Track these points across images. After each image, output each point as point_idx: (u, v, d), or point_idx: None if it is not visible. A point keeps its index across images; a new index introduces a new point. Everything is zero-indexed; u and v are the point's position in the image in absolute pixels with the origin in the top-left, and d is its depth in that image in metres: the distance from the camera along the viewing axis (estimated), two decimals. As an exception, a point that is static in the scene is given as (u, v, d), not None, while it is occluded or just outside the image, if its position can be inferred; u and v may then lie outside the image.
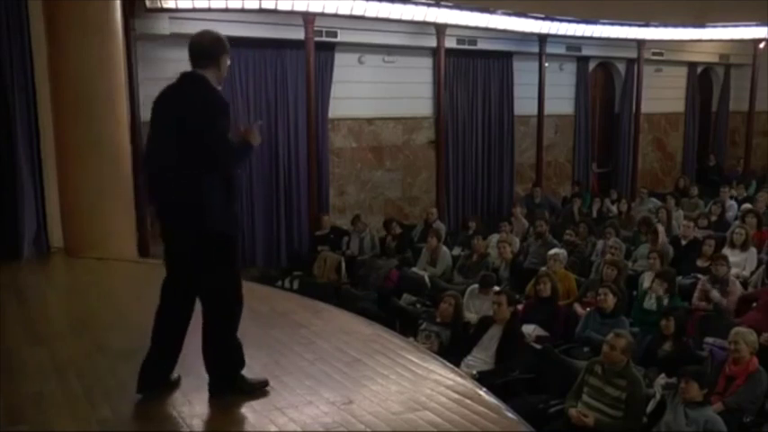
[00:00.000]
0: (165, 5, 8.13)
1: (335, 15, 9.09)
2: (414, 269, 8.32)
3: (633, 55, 12.86)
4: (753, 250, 7.76)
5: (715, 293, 6.53)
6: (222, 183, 3.19)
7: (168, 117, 3.19)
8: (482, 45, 11.33)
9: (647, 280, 6.86)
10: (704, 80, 15.32)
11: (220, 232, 3.20)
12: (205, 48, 3.24)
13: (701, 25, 12.81)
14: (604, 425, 4.50)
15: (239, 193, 3.35)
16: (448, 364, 4.03)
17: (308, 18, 8.95)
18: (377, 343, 4.25)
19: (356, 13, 9.16)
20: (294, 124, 9.68)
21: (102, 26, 6.61)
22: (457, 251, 9.07)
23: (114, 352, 4.07)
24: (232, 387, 3.37)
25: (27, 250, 6.48)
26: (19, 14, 6.40)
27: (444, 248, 8.62)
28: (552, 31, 11.41)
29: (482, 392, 3.53)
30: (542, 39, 11.58)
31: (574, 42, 12.25)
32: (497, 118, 11.90)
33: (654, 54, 13.37)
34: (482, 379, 4.68)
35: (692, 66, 14.62)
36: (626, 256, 8.16)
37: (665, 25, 12.48)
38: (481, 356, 5.57)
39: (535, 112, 12.01)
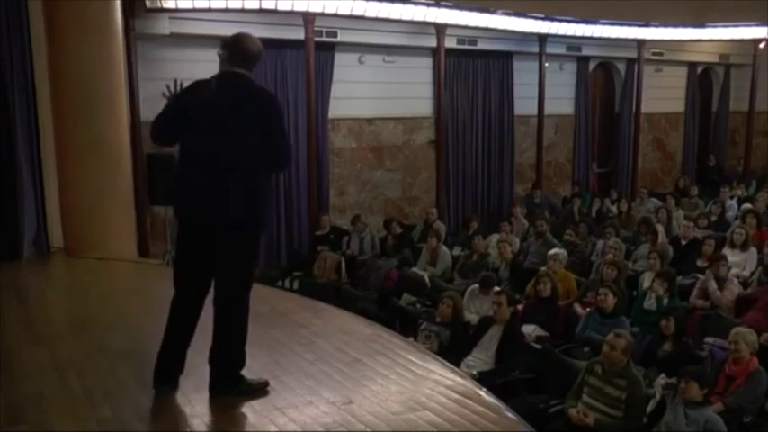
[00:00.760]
0: (165, 5, 8.12)
1: (335, 15, 9.09)
2: (414, 269, 8.31)
3: (633, 55, 12.86)
4: (753, 250, 7.76)
5: (713, 283, 6.56)
6: (270, 181, 3.33)
7: (220, 114, 3.19)
8: (482, 45, 11.33)
9: (647, 280, 6.86)
10: (704, 80, 15.32)
11: (264, 230, 3.35)
12: (250, 51, 3.28)
13: (701, 25, 12.81)
14: (604, 425, 4.50)
15: None
16: (448, 364, 4.03)
17: (307, 18, 8.95)
18: (377, 343, 4.25)
19: (356, 13, 9.15)
20: (294, 124, 9.67)
21: (102, 26, 6.61)
22: (457, 251, 9.07)
23: (114, 352, 4.08)
24: (231, 387, 3.37)
25: (27, 250, 6.48)
26: (19, 14, 6.40)
27: (444, 248, 8.62)
28: (552, 31, 11.40)
29: (482, 392, 3.53)
30: (542, 39, 11.57)
31: (574, 42, 12.25)
32: (497, 118, 11.90)
33: (654, 54, 13.37)
34: (482, 379, 4.68)
35: (692, 66, 14.62)
36: (626, 256, 8.17)
37: (665, 25, 12.47)
38: (481, 356, 5.57)
39: (535, 112, 12.01)
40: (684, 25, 12.67)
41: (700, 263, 7.63)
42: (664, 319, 5.56)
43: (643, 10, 11.83)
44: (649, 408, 4.67)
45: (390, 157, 11.04)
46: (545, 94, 11.88)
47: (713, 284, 6.57)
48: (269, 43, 9.26)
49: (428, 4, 9.76)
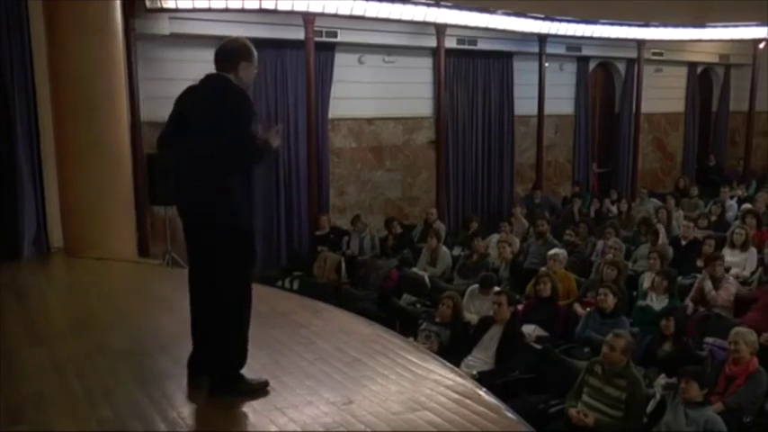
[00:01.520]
0: (165, 5, 8.12)
1: (335, 15, 9.09)
2: (414, 269, 8.31)
3: (633, 55, 12.86)
4: (753, 250, 7.75)
5: (708, 283, 6.57)
6: (244, 181, 3.28)
7: (195, 116, 3.27)
8: (482, 45, 11.32)
9: (647, 280, 6.86)
10: (704, 80, 15.31)
11: (241, 229, 3.30)
12: (227, 51, 3.33)
13: (701, 25, 12.81)
14: (604, 425, 4.50)
15: (254, 190, 3.43)
16: (448, 364, 4.03)
17: (308, 18, 8.95)
18: (377, 343, 4.25)
19: (356, 13, 9.15)
20: (294, 124, 9.67)
21: (102, 26, 6.61)
22: (457, 251, 9.07)
23: (114, 352, 4.08)
24: (231, 387, 3.38)
25: (27, 250, 6.49)
26: (19, 14, 6.41)
27: (444, 248, 8.62)
28: (552, 32, 11.40)
29: (482, 392, 3.54)
30: (542, 39, 11.57)
31: (574, 42, 12.25)
32: (497, 118, 11.90)
33: (654, 54, 13.36)
34: (482, 379, 4.68)
35: (692, 66, 14.61)
36: (626, 256, 8.16)
37: (665, 25, 12.47)
38: (481, 357, 5.57)
39: (535, 112, 12.01)
40: (684, 25, 12.67)
41: (700, 263, 7.61)
42: (664, 320, 5.56)
43: (643, 10, 11.83)
44: (649, 408, 4.66)
45: (390, 157, 11.04)
46: (545, 94, 11.88)
47: (709, 284, 6.58)
48: (269, 43, 9.36)
49: (428, 4, 9.75)
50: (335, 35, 9.76)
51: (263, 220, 9.71)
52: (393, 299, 7.32)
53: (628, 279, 7.19)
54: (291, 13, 8.76)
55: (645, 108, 13.20)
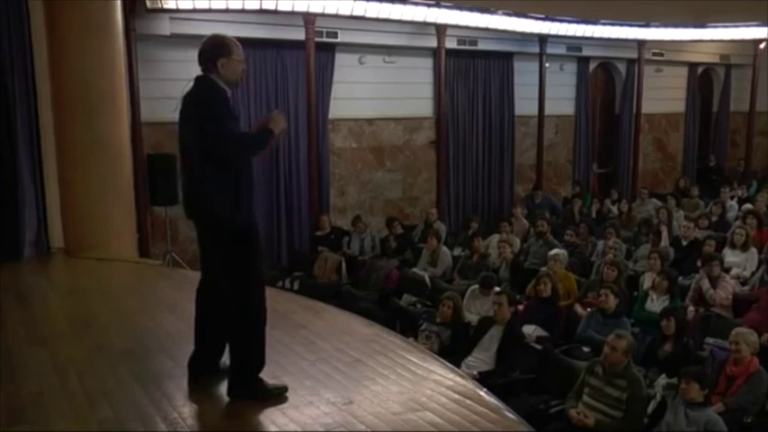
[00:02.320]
0: (166, 6, 8.12)
1: (336, 16, 9.09)
2: (414, 269, 8.31)
3: (633, 55, 12.86)
4: (753, 251, 7.75)
5: (705, 282, 6.58)
6: (229, 176, 3.21)
7: (182, 120, 3.35)
8: (482, 45, 11.32)
9: (647, 280, 6.86)
10: (705, 80, 15.31)
11: (240, 227, 3.25)
12: (204, 52, 3.31)
13: (702, 25, 12.80)
14: (605, 425, 4.50)
15: (251, 186, 3.34)
16: (448, 364, 4.02)
17: (308, 18, 8.95)
18: (377, 343, 4.25)
19: (356, 13, 9.14)
20: (294, 125, 9.66)
21: (103, 26, 6.61)
22: (457, 251, 9.07)
23: (114, 352, 4.08)
24: (249, 392, 3.34)
25: (27, 251, 6.49)
26: (19, 15, 6.41)
27: (445, 249, 8.62)
28: (552, 32, 11.40)
29: (482, 393, 3.53)
30: (543, 39, 11.57)
31: (574, 43, 12.24)
32: (498, 118, 11.90)
33: (654, 54, 13.36)
34: (482, 379, 4.68)
35: (692, 66, 14.61)
36: (626, 256, 8.17)
37: (666, 25, 12.46)
38: (482, 357, 5.57)
39: (535, 112, 12.01)
40: (685, 25, 12.66)
41: (700, 263, 7.62)
42: (664, 320, 5.56)
43: (643, 10, 11.81)
44: (650, 408, 4.66)
45: (391, 157, 11.03)
46: (545, 95, 11.88)
47: (706, 283, 6.60)
48: (269, 44, 9.38)
49: (428, 5, 9.75)
50: (336, 35, 9.75)
51: (263, 221, 9.72)
52: (393, 299, 7.33)
53: (628, 279, 7.19)
54: (292, 13, 8.76)
55: (645, 108, 13.20)
